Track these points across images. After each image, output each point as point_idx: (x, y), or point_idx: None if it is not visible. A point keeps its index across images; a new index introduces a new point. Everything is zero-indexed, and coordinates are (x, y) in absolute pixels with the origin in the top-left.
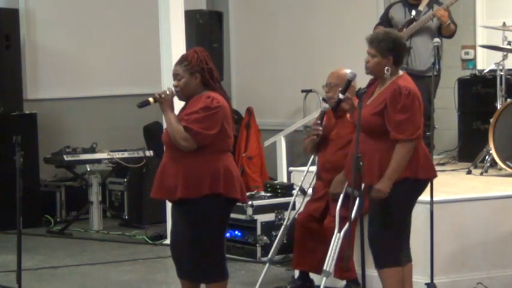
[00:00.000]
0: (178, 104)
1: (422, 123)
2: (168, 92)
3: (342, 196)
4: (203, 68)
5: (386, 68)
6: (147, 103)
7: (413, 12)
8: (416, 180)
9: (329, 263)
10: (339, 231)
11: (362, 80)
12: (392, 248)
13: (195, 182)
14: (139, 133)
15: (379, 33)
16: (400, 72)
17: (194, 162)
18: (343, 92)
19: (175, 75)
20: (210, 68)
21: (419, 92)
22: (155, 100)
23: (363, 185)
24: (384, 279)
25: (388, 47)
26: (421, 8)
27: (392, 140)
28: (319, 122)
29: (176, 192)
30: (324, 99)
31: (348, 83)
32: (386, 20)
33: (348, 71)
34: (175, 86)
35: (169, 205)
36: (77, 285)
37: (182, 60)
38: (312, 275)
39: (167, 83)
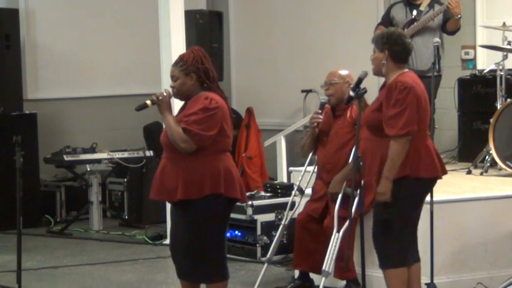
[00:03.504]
0: (177, 105)
1: (416, 120)
2: (165, 94)
3: (340, 196)
4: (198, 68)
5: (382, 62)
6: (145, 106)
7: (415, 12)
8: (418, 179)
9: (328, 263)
10: (338, 232)
11: (368, 82)
12: (395, 249)
13: (196, 183)
14: (139, 133)
15: (381, 31)
16: (406, 70)
17: (194, 163)
18: (354, 89)
19: (172, 77)
20: (205, 67)
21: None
22: (153, 102)
23: (362, 182)
24: (387, 280)
25: (383, 41)
26: (422, 7)
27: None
28: (319, 111)
29: (176, 193)
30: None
31: (358, 81)
32: (387, 20)
33: (346, 72)
34: (172, 87)
35: (169, 205)
36: (77, 285)
37: (178, 60)
38: (312, 275)
39: (167, 83)
